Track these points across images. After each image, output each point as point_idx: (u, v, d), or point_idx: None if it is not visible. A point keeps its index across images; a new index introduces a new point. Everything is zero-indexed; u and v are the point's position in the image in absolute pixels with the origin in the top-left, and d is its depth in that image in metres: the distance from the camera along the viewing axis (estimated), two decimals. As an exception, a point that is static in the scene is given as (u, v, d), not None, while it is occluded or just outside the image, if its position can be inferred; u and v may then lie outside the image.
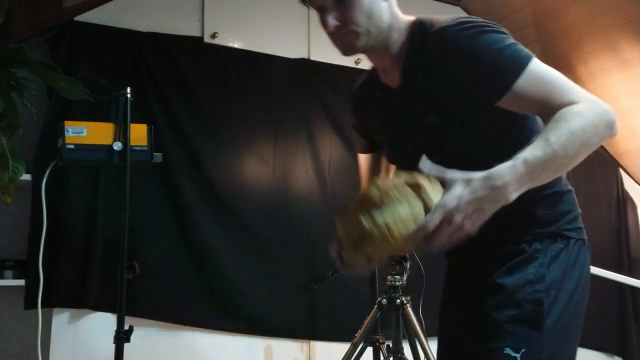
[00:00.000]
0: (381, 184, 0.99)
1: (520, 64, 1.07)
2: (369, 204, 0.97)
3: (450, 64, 1.12)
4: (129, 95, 1.98)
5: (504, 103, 1.09)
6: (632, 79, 3.38)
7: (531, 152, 0.98)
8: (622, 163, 4.01)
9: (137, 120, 1.99)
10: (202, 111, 2.94)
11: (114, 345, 1.84)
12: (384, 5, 1.18)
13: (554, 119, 1.01)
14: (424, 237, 0.93)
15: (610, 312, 3.77)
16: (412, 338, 2.38)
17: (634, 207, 4.02)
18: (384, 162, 1.51)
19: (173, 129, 2.83)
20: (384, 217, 0.95)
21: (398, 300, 2.43)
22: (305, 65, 3.25)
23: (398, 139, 1.31)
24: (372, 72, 1.35)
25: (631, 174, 4.06)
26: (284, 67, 3.19)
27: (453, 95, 1.14)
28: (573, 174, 4.47)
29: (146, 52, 2.84)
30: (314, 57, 3.27)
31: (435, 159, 1.12)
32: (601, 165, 3.94)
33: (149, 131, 2.01)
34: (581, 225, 1.25)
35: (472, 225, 0.94)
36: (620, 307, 3.80)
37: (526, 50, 1.10)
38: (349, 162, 3.24)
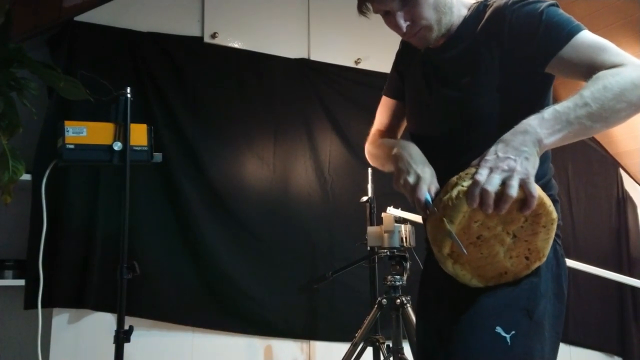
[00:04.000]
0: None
1: (569, 32, 1.10)
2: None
3: (500, 31, 1.15)
4: (129, 95, 1.97)
5: (551, 68, 1.12)
6: (632, 79, 3.37)
7: (561, 103, 1.01)
8: (622, 163, 4.01)
9: (137, 120, 1.99)
10: (202, 111, 2.94)
11: (114, 345, 1.84)
12: None
13: (591, 78, 1.03)
14: (480, 192, 0.96)
15: (610, 312, 3.77)
16: (412, 338, 2.38)
17: (634, 207, 4.02)
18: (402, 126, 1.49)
19: (173, 129, 2.83)
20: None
21: (398, 300, 2.43)
22: (305, 65, 3.24)
23: (428, 98, 1.30)
24: None
25: (631, 174, 4.07)
26: (284, 67, 3.19)
27: (492, 59, 1.17)
28: (573, 174, 4.42)
29: (146, 52, 2.84)
30: (314, 57, 3.27)
31: (461, 119, 1.20)
32: (601, 165, 3.94)
33: (149, 131, 2.00)
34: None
35: (521, 166, 0.96)
36: (620, 307, 3.80)
37: (577, 22, 1.13)
38: (349, 162, 3.24)
